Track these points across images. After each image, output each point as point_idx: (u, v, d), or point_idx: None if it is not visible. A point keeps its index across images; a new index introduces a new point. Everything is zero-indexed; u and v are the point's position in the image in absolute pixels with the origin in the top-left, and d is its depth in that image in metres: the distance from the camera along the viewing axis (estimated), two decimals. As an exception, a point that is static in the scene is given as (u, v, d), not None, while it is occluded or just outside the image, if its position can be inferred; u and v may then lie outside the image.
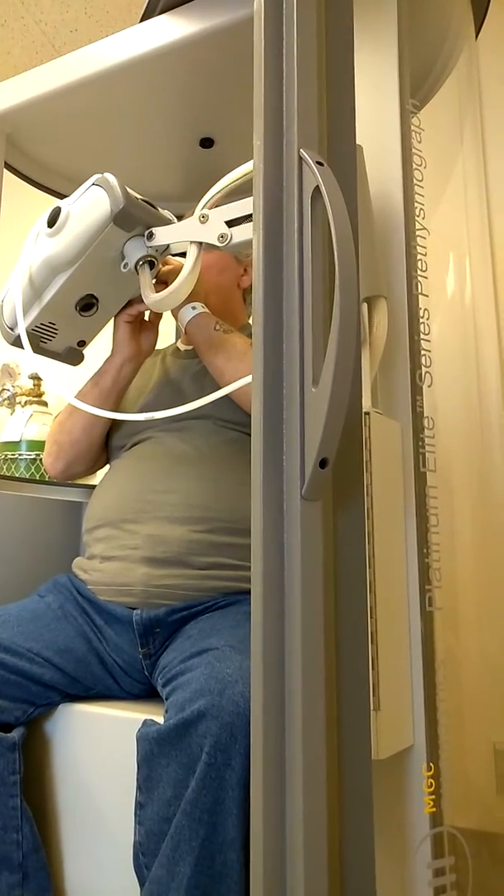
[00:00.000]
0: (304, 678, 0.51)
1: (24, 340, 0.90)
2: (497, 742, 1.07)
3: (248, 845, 0.52)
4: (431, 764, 0.73)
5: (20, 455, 1.81)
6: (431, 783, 0.73)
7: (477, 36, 1.11)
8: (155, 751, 0.71)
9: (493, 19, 1.11)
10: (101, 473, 1.18)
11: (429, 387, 0.81)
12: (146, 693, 0.96)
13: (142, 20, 1.04)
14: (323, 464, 0.52)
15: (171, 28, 1.01)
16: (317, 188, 0.54)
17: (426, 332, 0.82)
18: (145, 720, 0.76)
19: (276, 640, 0.52)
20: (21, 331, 0.90)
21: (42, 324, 0.94)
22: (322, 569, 0.53)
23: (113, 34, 1.06)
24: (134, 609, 0.93)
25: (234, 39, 0.97)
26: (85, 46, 1.08)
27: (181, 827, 0.66)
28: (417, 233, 0.83)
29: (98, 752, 0.86)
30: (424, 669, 0.74)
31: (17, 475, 1.78)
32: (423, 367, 0.80)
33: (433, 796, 0.73)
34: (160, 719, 0.74)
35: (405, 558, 0.76)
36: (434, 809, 0.72)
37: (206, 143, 1.23)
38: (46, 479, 1.47)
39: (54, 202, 0.89)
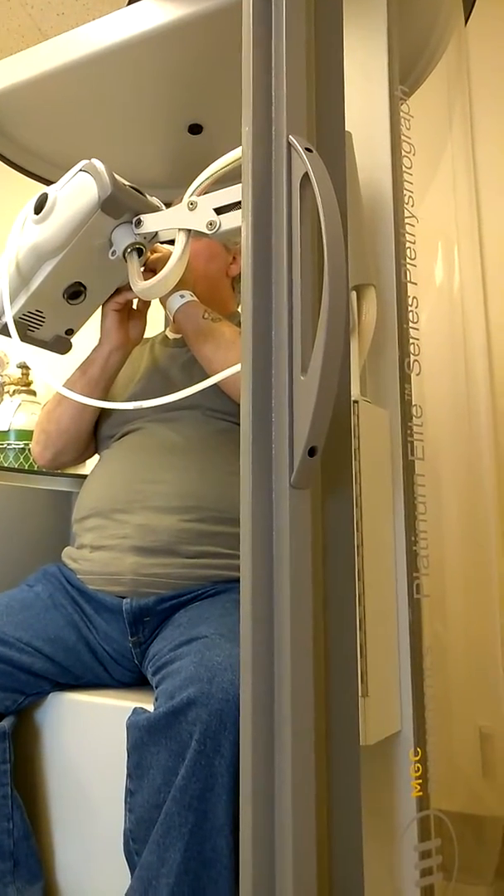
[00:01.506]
0: (292, 665, 0.51)
1: (12, 328, 0.89)
2: (483, 726, 1.09)
3: (237, 831, 0.52)
4: (419, 749, 0.74)
5: (8, 444, 1.80)
6: (418, 768, 0.74)
7: (466, 22, 1.11)
8: (145, 739, 0.71)
9: (483, 5, 1.11)
10: (90, 463, 1.17)
11: (417, 375, 0.81)
12: (136, 681, 0.97)
13: (129, 3, 1.03)
14: (312, 452, 0.52)
15: (159, 12, 0.99)
16: (305, 175, 0.54)
17: (415, 320, 0.82)
18: (135, 708, 0.77)
19: (266, 627, 0.52)
20: (8, 319, 0.89)
21: (29, 312, 0.93)
22: (311, 556, 0.54)
23: (100, 17, 1.04)
24: (123, 598, 0.93)
25: (223, 24, 0.96)
26: (72, 30, 1.07)
27: (171, 813, 0.67)
28: (406, 220, 0.83)
29: (88, 740, 0.87)
30: (412, 656, 0.75)
31: (5, 465, 1.77)
32: (411, 356, 0.81)
33: (420, 780, 0.73)
34: (150, 707, 0.74)
35: (393, 546, 0.76)
36: (421, 793, 0.73)
37: (195, 129, 1.22)
38: (35, 469, 1.46)
39: (41, 188, 0.88)
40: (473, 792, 1.06)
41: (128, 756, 0.73)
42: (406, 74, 1.03)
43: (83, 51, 1.05)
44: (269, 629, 0.52)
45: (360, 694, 0.61)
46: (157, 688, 0.77)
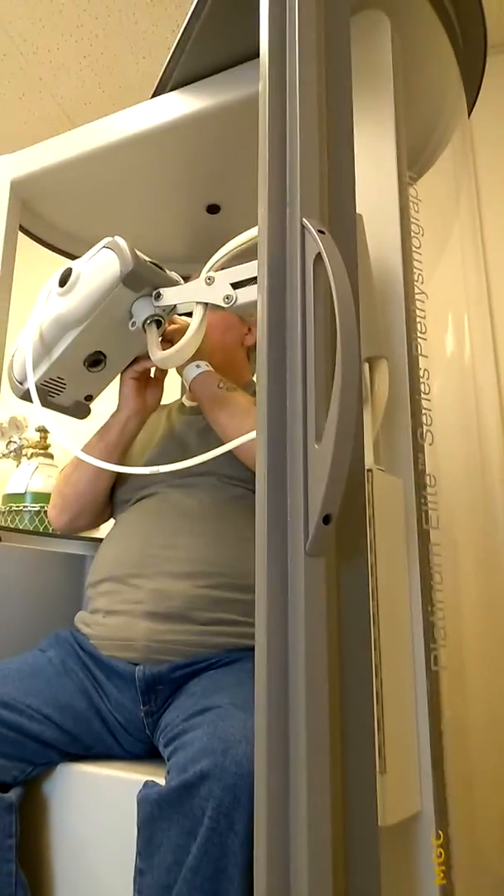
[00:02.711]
0: (308, 739, 0.50)
1: (34, 394, 0.92)
2: (507, 809, 1.04)
3: (250, 916, 0.50)
4: (440, 832, 0.71)
5: (25, 507, 1.81)
6: (441, 852, 0.70)
7: (469, 114, 1.17)
8: (156, 814, 0.69)
9: (486, 98, 1.17)
10: (105, 527, 1.18)
11: (430, 445, 0.82)
12: (147, 752, 0.94)
13: (154, 96, 1.10)
14: (326, 520, 0.53)
15: (181, 104, 1.07)
16: (318, 255, 0.56)
17: (426, 391, 0.84)
18: (146, 781, 0.74)
19: (281, 698, 0.51)
20: (31, 385, 0.92)
21: (51, 378, 0.96)
22: (326, 625, 0.53)
23: (125, 108, 1.12)
24: (136, 665, 0.92)
25: (241, 114, 1.03)
26: (98, 119, 1.14)
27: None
28: (416, 297, 0.86)
29: (97, 814, 0.84)
30: (431, 731, 0.73)
31: (21, 527, 1.78)
32: (423, 426, 0.82)
33: (443, 867, 0.70)
34: (162, 780, 0.72)
35: (410, 616, 0.75)
36: (445, 881, 0.69)
37: (213, 209, 1.28)
38: (51, 532, 1.47)
39: (66, 263, 0.92)
40: (501, 881, 1.00)
41: (138, 832, 0.71)
42: (414, 160, 1.09)
43: (109, 138, 1.12)
44: (284, 700, 0.51)
45: (377, 770, 0.59)
46: (168, 760, 0.75)
